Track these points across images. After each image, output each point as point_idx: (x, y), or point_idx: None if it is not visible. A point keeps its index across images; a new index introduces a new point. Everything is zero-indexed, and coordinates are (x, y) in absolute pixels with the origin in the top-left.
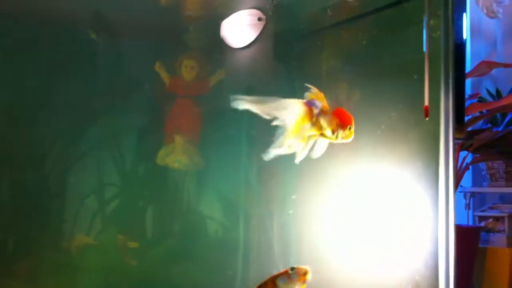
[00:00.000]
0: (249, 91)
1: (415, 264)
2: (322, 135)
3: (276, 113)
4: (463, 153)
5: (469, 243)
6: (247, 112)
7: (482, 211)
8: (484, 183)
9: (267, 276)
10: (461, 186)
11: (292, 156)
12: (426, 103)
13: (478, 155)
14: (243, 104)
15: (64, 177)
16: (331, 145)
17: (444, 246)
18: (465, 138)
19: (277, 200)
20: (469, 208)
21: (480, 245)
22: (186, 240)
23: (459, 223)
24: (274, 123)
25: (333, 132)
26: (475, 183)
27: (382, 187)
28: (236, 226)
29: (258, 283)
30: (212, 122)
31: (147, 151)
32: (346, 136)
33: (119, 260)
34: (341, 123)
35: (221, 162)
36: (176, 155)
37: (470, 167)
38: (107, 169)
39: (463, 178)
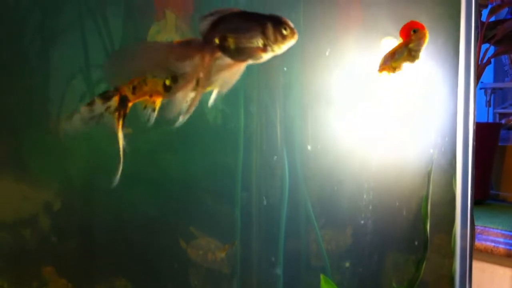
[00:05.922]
0: None
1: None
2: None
3: None
4: (484, 46)
5: (488, 141)
6: None
7: (503, 108)
8: (507, 79)
9: None
10: (481, 82)
11: None
12: None
13: (501, 47)
14: None
15: (47, 52)
16: None
17: (462, 143)
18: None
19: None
20: (489, 106)
21: (499, 144)
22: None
23: (478, 121)
24: None
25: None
26: (496, 78)
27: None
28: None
29: None
30: None
31: (136, 29)
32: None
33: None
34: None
35: None
36: (167, 33)
37: (492, 60)
38: (93, 47)
39: (484, 73)
